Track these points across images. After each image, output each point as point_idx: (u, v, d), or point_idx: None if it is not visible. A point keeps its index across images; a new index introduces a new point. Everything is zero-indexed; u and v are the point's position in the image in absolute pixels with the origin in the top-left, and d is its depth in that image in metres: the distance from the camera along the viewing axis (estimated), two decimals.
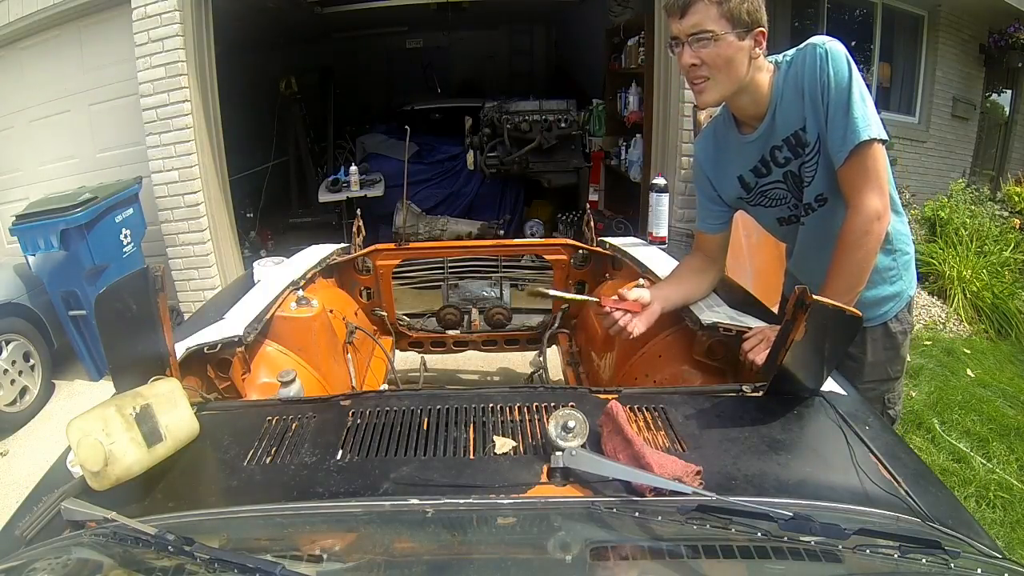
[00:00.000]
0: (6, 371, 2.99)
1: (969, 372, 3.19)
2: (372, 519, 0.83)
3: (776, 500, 0.80)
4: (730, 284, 1.69)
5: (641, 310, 1.33)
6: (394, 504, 0.83)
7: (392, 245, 2.27)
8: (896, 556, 0.67)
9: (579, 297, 1.41)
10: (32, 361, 3.16)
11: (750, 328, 1.33)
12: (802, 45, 1.22)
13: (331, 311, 1.92)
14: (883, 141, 1.19)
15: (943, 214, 4.38)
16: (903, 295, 1.41)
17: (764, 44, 1.20)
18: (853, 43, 4.98)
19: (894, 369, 1.45)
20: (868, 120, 1.16)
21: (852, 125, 1.16)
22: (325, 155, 6.32)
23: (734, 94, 1.25)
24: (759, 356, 1.24)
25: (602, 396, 1.10)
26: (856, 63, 1.20)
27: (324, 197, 4.90)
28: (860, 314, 0.98)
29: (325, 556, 0.77)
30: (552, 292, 1.53)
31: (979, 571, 0.67)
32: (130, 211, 3.46)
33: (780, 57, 1.27)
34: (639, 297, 1.34)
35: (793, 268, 1.52)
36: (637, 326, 1.32)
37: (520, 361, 3.07)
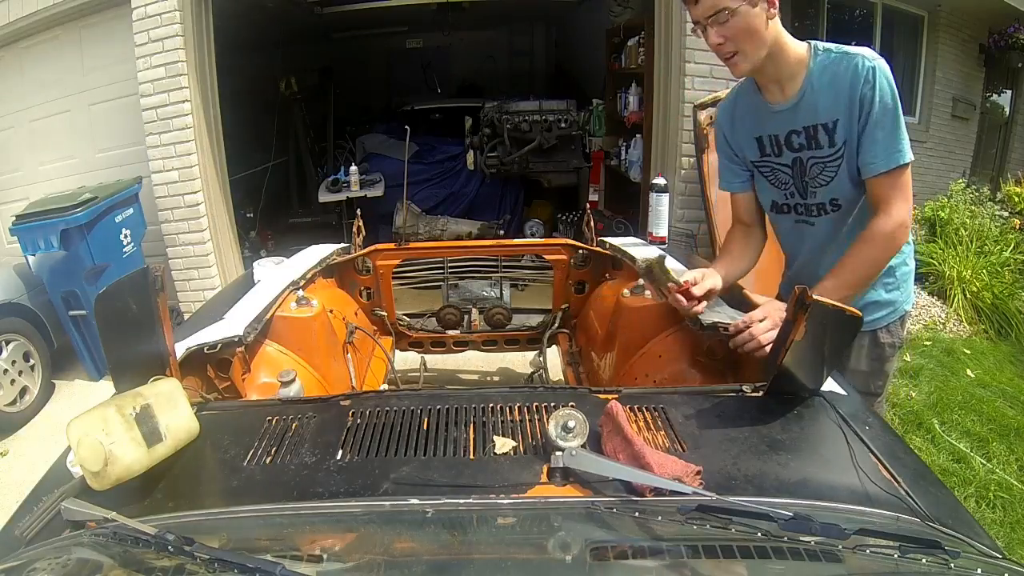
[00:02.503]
0: (6, 371, 2.99)
1: (969, 372, 3.19)
2: (372, 519, 0.83)
3: (776, 500, 0.80)
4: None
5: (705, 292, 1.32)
6: (394, 504, 0.83)
7: (392, 245, 2.27)
8: (896, 556, 0.67)
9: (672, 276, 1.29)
10: (32, 361, 3.16)
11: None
12: (850, 50, 1.25)
13: (331, 311, 1.92)
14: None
15: (943, 214, 4.38)
16: (897, 307, 1.42)
17: (776, 2, 1.22)
18: (853, 43, 4.95)
19: (875, 384, 1.44)
20: (907, 143, 1.22)
21: (897, 146, 1.22)
22: (325, 155, 6.32)
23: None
24: (750, 346, 1.23)
25: (602, 396, 1.10)
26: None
27: (324, 197, 4.90)
28: (860, 314, 0.98)
29: (325, 556, 0.77)
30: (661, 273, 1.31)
31: (979, 571, 0.67)
32: (130, 211, 3.47)
33: (821, 45, 1.28)
34: (712, 287, 1.33)
35: (794, 274, 1.51)
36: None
37: (520, 361, 3.06)
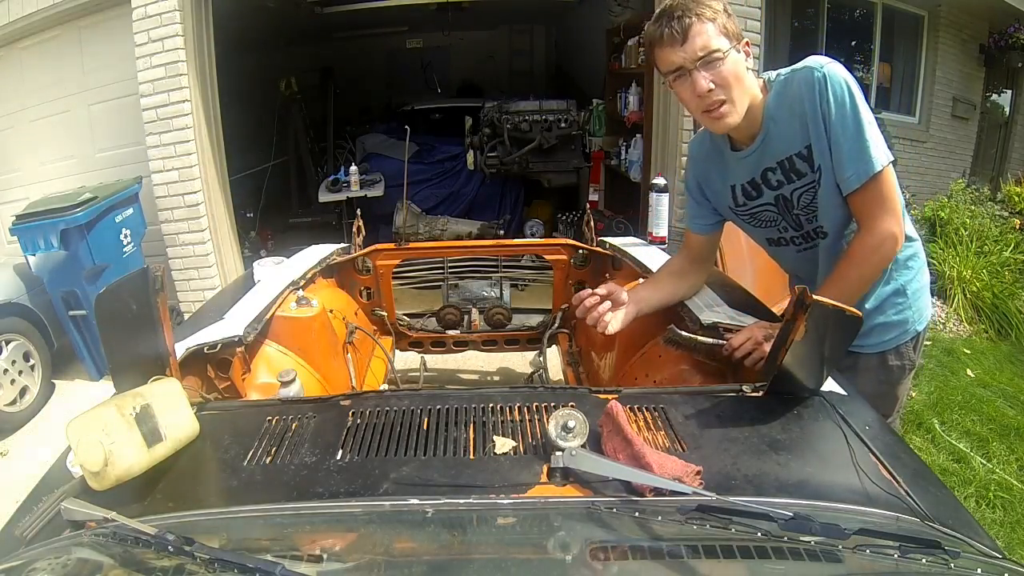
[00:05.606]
0: (6, 371, 2.99)
1: (969, 372, 3.19)
2: (372, 519, 0.83)
3: (776, 500, 0.80)
4: (730, 284, 1.69)
5: (612, 304, 1.30)
6: (394, 504, 0.83)
7: (392, 245, 2.27)
8: (896, 556, 0.67)
9: (708, 340, 1.29)
10: (32, 361, 3.16)
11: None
12: (798, 66, 1.18)
13: (331, 311, 1.92)
14: (892, 162, 1.16)
15: (943, 214, 4.38)
16: (908, 327, 1.34)
17: (751, 53, 1.18)
18: (853, 43, 4.97)
19: (885, 407, 1.36)
20: (878, 147, 1.14)
21: (865, 155, 1.13)
22: (325, 155, 6.32)
23: None
24: (741, 353, 1.23)
25: (602, 396, 1.10)
26: (856, 80, 1.16)
27: (324, 197, 4.91)
28: (860, 314, 0.98)
29: (325, 556, 0.77)
30: (684, 333, 1.31)
31: (979, 571, 0.67)
32: (130, 211, 3.47)
33: (772, 75, 1.23)
34: (611, 291, 1.32)
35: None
36: (612, 323, 1.30)
37: (520, 361, 3.07)
